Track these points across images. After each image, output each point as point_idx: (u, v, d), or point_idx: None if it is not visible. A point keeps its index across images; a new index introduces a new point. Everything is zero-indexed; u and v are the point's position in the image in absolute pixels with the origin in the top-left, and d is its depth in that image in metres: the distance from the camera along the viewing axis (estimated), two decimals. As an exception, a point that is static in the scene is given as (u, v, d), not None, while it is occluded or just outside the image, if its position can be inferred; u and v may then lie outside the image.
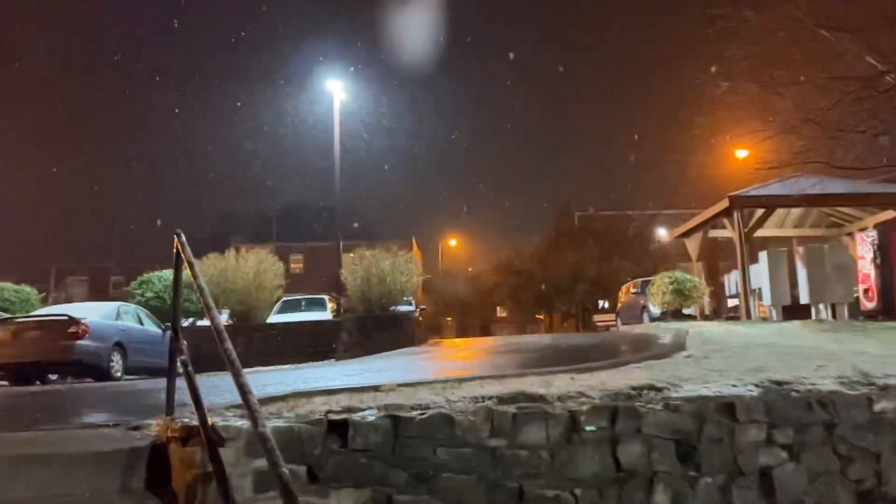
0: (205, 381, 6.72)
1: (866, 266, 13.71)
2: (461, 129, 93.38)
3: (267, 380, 7.15)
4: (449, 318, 54.68)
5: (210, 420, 3.69)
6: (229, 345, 3.34)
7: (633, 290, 21.07)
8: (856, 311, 14.08)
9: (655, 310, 16.30)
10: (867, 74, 10.73)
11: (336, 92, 20.90)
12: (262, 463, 3.33)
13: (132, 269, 22.78)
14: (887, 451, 5.33)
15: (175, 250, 4.42)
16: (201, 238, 37.24)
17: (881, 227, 14.27)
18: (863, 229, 15.15)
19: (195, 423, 3.74)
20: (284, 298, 18.64)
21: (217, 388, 5.83)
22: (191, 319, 15.06)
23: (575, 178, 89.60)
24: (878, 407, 5.41)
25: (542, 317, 48.94)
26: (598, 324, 29.84)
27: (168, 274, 14.59)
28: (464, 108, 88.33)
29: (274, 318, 16.91)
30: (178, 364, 4.47)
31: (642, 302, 18.35)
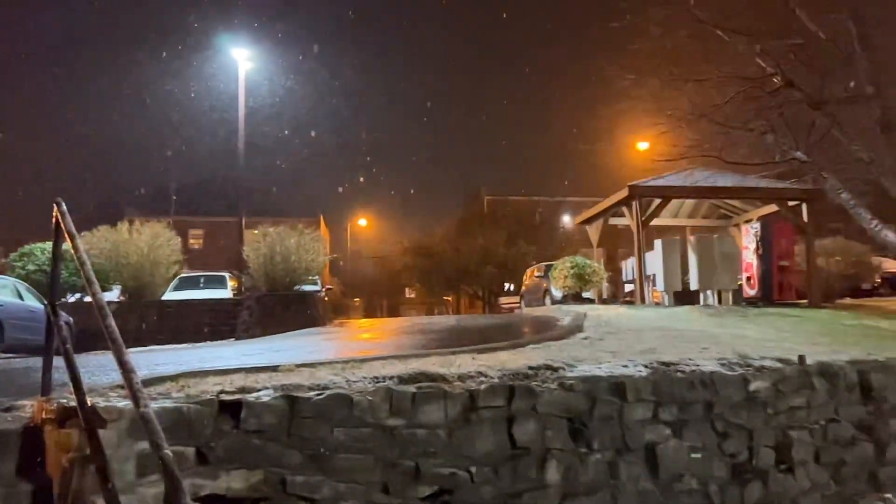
0: (90, 360, 6.39)
1: (749, 256, 14.66)
2: (373, 110, 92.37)
3: (160, 359, 6.85)
4: (356, 299, 54.28)
5: (90, 400, 3.47)
6: (111, 321, 3.14)
7: (536, 274, 21.61)
8: (739, 297, 15.07)
9: (557, 293, 16.79)
10: (757, 75, 11.39)
11: (241, 61, 20.06)
12: (145, 445, 3.17)
13: (12, 240, 21.10)
14: (759, 427, 5.76)
15: (54, 221, 4.11)
16: (92, 209, 35.03)
17: (764, 220, 15.29)
18: (748, 221, 16.19)
19: (73, 403, 3.51)
20: (182, 275, 17.86)
21: (103, 367, 5.52)
22: (77, 295, 14.17)
23: (486, 163, 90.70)
24: (752, 386, 5.83)
25: (449, 298, 49.49)
26: (503, 306, 30.44)
27: (53, 246, 13.59)
28: (377, 89, 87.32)
29: (170, 296, 16.18)
30: (57, 341, 4.17)
31: (545, 285, 18.85)
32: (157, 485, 3.33)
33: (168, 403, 3.85)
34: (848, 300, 15.42)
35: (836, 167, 11.14)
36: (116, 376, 3.96)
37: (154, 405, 3.58)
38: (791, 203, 15.06)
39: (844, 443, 6.23)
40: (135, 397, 2.78)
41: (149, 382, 4.29)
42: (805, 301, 14.12)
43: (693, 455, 5.34)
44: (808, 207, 14.89)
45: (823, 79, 11.06)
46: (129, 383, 2.84)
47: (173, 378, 4.51)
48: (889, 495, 6.20)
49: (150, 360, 6.60)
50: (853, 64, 10.52)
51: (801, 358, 6.40)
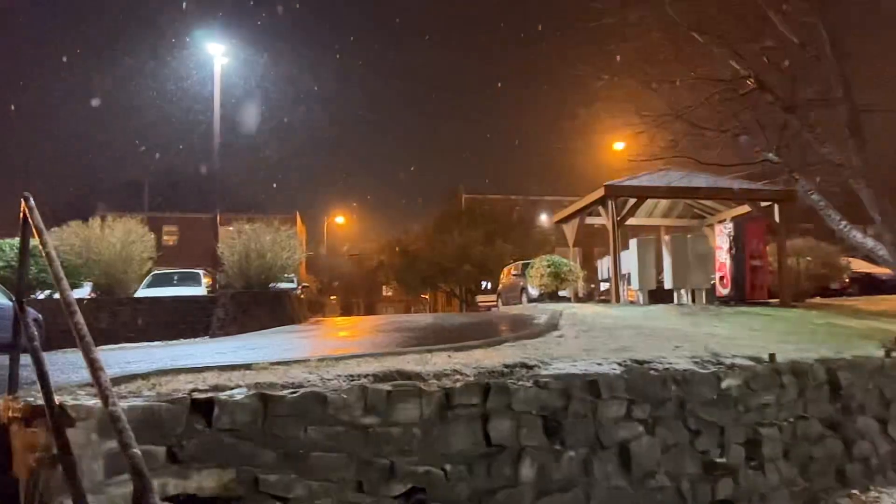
0: (60, 358, 6.27)
1: (722, 255, 14.84)
2: (352, 108, 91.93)
3: (131, 357, 6.74)
4: (333, 297, 54.01)
5: (58, 399, 3.41)
6: (80, 318, 3.09)
7: (513, 272, 21.70)
8: (712, 296, 15.26)
9: (534, 291, 16.85)
10: (730, 77, 11.53)
11: (217, 56, 19.84)
12: (115, 444, 3.11)
13: (-21, 235, 20.64)
14: (730, 425, 5.84)
15: (21, 216, 4.03)
16: (63, 204, 34.37)
17: (737, 220, 15.51)
18: (721, 221, 16.39)
19: (41, 402, 3.45)
20: (155, 272, 17.64)
21: (73, 364, 5.43)
22: (47, 291, 13.91)
23: (464, 162, 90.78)
24: (724, 384, 5.91)
25: (427, 296, 49.50)
26: (481, 304, 30.51)
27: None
28: (356, 87, 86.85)
29: (143, 293, 15.96)
30: (24, 338, 4.09)
31: (522, 284, 18.93)
32: (126, 484, 3.28)
33: (138, 402, 3.79)
34: (818, 300, 15.72)
35: (806, 169, 11.31)
36: (86, 374, 3.88)
37: (124, 404, 3.53)
38: (763, 204, 15.29)
39: (813, 440, 6.34)
40: (104, 395, 2.73)
41: (119, 380, 4.22)
42: (776, 300, 14.34)
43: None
44: (780, 208, 15.13)
45: (795, 82, 11.23)
46: (98, 381, 2.79)
47: (144, 376, 4.45)
48: (856, 491, 6.33)
49: (122, 357, 6.50)
50: (824, 68, 10.69)
51: (772, 356, 6.50)
